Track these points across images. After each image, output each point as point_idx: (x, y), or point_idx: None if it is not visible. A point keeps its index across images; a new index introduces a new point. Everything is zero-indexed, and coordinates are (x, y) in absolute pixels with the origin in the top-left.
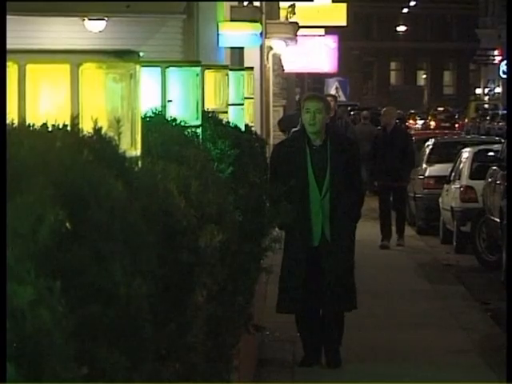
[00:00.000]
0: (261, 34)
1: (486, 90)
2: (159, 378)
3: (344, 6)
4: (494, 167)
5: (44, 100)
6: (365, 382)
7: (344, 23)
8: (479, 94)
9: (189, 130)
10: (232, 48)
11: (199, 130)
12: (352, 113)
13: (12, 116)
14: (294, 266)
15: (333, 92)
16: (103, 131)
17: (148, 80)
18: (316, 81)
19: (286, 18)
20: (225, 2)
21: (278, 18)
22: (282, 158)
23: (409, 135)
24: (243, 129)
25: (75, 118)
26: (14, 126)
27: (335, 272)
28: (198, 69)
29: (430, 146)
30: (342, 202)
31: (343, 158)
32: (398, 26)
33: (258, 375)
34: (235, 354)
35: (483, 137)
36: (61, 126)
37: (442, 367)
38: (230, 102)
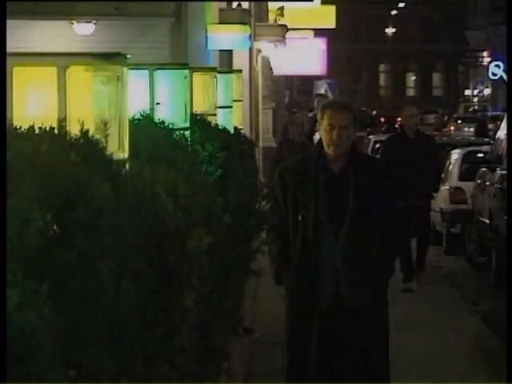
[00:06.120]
0: (249, 36)
1: (475, 92)
2: (148, 381)
3: (333, 8)
4: (484, 168)
5: (31, 103)
6: None
7: (333, 25)
8: (468, 96)
9: (177, 133)
10: (221, 50)
11: (187, 133)
12: None
13: None
14: (300, 340)
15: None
16: (90, 134)
17: (136, 83)
18: (305, 83)
19: (275, 21)
20: (213, 5)
21: (267, 20)
22: (287, 187)
23: (436, 144)
24: (232, 131)
25: (62, 121)
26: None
27: (356, 348)
28: (186, 71)
29: None
30: (368, 252)
31: (373, 189)
32: (387, 27)
33: (248, 378)
34: (225, 356)
35: (472, 138)
36: (48, 129)
37: (432, 369)
38: (218, 105)
